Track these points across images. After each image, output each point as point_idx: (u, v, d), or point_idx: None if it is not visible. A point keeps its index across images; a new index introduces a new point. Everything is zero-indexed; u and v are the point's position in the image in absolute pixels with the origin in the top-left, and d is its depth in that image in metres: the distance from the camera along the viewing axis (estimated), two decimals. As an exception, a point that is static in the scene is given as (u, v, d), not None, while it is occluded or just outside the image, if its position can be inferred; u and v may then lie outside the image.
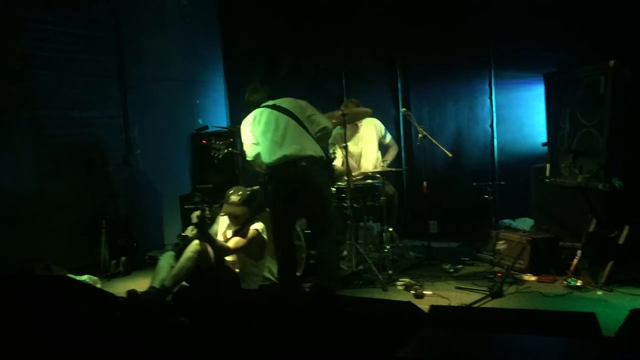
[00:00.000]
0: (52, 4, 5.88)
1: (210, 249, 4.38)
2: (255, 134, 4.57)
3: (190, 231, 4.47)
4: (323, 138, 4.70)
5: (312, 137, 4.54)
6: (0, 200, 5.36)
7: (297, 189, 4.46)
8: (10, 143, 5.53)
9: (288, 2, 7.45)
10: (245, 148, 4.67)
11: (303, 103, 4.68)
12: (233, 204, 4.59)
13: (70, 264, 5.58)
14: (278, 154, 4.43)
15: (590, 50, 5.66)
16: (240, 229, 4.65)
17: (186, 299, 3.18)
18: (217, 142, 5.13)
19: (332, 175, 4.81)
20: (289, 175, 4.46)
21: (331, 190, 4.69)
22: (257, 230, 4.63)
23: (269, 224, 5.06)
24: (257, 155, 4.58)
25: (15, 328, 3.06)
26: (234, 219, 4.69)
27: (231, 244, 4.51)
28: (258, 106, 4.68)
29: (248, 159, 4.68)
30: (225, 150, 5.05)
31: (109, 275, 5.65)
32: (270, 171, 4.57)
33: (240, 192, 4.64)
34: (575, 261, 4.74)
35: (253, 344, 2.67)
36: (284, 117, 4.51)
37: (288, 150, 4.41)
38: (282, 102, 4.65)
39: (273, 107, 4.60)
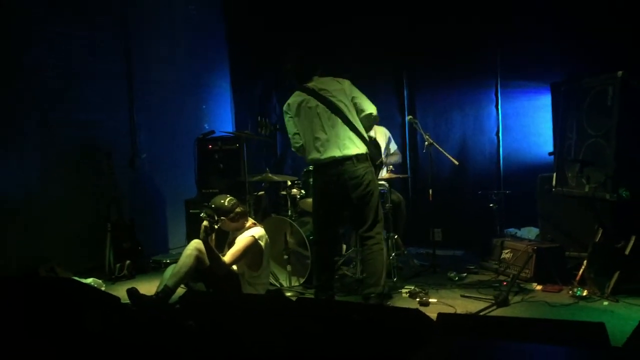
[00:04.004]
0: (62, 8, 5.90)
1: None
2: (298, 125, 4.46)
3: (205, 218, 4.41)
4: (368, 124, 4.48)
5: (357, 128, 4.35)
6: (6, 201, 5.37)
7: (342, 187, 4.32)
8: (17, 144, 5.54)
9: (293, 9, 7.48)
10: (289, 135, 4.55)
11: (346, 85, 4.45)
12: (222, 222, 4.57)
13: (74, 267, 5.58)
14: (322, 154, 4.32)
15: (597, 61, 5.66)
16: (236, 236, 4.65)
17: (193, 303, 3.18)
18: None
19: (378, 167, 4.60)
20: (334, 175, 4.33)
21: (377, 187, 4.46)
22: (253, 237, 4.54)
23: (277, 230, 5.07)
24: (301, 148, 4.50)
25: (20, 330, 3.05)
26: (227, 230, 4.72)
27: (227, 258, 4.46)
28: (296, 80, 4.51)
29: (293, 149, 4.58)
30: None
31: (113, 278, 5.65)
32: (314, 167, 4.51)
33: (220, 204, 4.58)
34: (581, 271, 4.73)
35: (259, 349, 2.66)
36: (326, 112, 4.33)
37: (333, 150, 4.29)
38: (324, 86, 4.41)
39: (314, 94, 4.39)
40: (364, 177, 4.30)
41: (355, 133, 4.35)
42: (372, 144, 4.50)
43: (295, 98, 4.50)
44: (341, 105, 4.36)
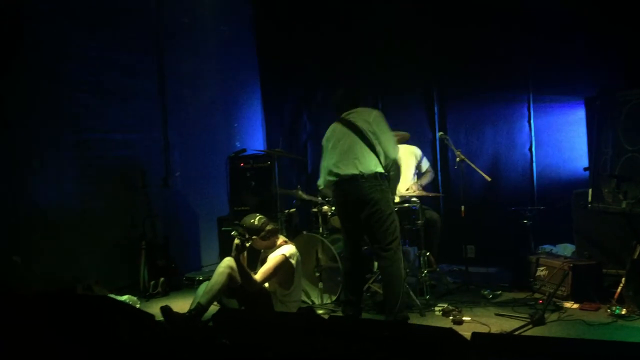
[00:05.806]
0: (96, 28, 6.06)
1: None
2: (325, 154, 4.63)
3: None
4: (388, 168, 4.51)
5: (375, 148, 4.42)
6: (44, 219, 5.49)
7: (356, 206, 4.40)
8: (55, 164, 5.68)
9: (324, 28, 7.53)
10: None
11: (372, 116, 4.52)
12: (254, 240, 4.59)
13: (110, 284, 5.67)
14: (337, 173, 4.45)
15: (632, 74, 5.58)
16: (267, 254, 4.67)
17: (226, 320, 3.19)
18: None
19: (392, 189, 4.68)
20: (347, 193, 4.44)
21: (391, 207, 4.46)
22: (284, 255, 4.55)
23: (308, 247, 5.07)
24: (323, 183, 4.64)
25: (56, 346, 3.10)
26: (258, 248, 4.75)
27: (258, 276, 4.47)
28: (336, 112, 4.72)
29: (318, 184, 4.73)
30: None
31: (147, 295, 5.72)
32: (334, 187, 4.59)
33: (251, 223, 4.60)
34: (619, 289, 4.61)
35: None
36: (349, 135, 4.47)
37: (343, 169, 4.41)
38: (356, 115, 4.58)
39: (344, 121, 4.58)
40: (371, 196, 4.32)
41: (373, 152, 4.40)
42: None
43: (330, 130, 4.67)
44: (362, 127, 4.45)
